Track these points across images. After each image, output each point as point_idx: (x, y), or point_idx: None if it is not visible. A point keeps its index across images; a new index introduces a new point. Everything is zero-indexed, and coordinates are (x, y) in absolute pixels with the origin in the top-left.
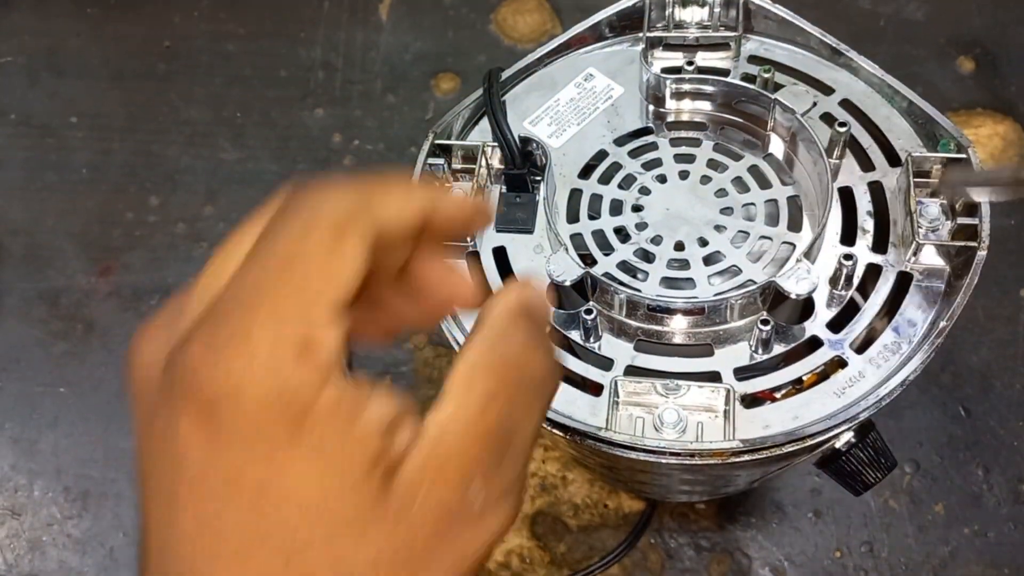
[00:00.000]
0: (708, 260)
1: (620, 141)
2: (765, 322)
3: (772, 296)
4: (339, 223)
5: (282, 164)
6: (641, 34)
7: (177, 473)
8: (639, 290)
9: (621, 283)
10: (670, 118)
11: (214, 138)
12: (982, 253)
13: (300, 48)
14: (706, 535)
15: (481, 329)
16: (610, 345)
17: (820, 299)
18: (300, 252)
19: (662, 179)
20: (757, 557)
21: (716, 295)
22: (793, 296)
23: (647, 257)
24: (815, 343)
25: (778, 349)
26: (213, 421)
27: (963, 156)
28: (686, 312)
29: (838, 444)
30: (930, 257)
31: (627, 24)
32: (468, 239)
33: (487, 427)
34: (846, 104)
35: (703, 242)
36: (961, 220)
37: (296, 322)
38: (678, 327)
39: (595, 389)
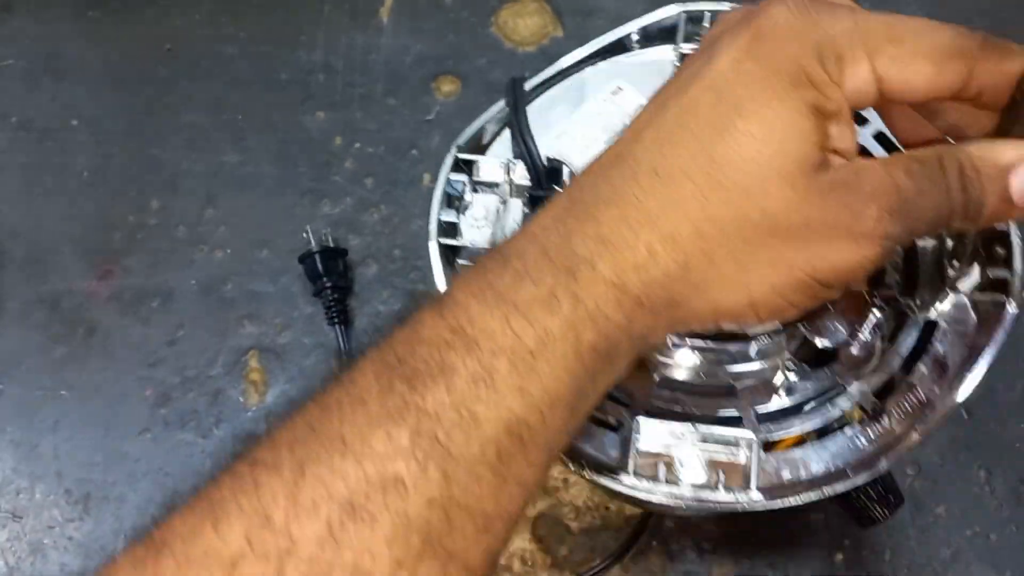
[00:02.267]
0: None
1: None
2: (788, 368)
3: (799, 339)
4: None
5: (283, 167)
6: (673, 47)
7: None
8: None
9: None
10: None
11: (215, 141)
12: (1012, 310)
13: (300, 51)
14: (708, 537)
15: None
16: (631, 380)
17: (847, 344)
18: None
19: None
20: (759, 559)
21: (740, 339)
22: (819, 345)
23: None
24: (838, 388)
25: (801, 392)
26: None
27: None
28: (710, 351)
29: None
30: (958, 307)
31: (659, 36)
32: None
33: (911, 189)
34: (880, 138)
35: None
36: (991, 272)
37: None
38: (702, 365)
39: (614, 426)
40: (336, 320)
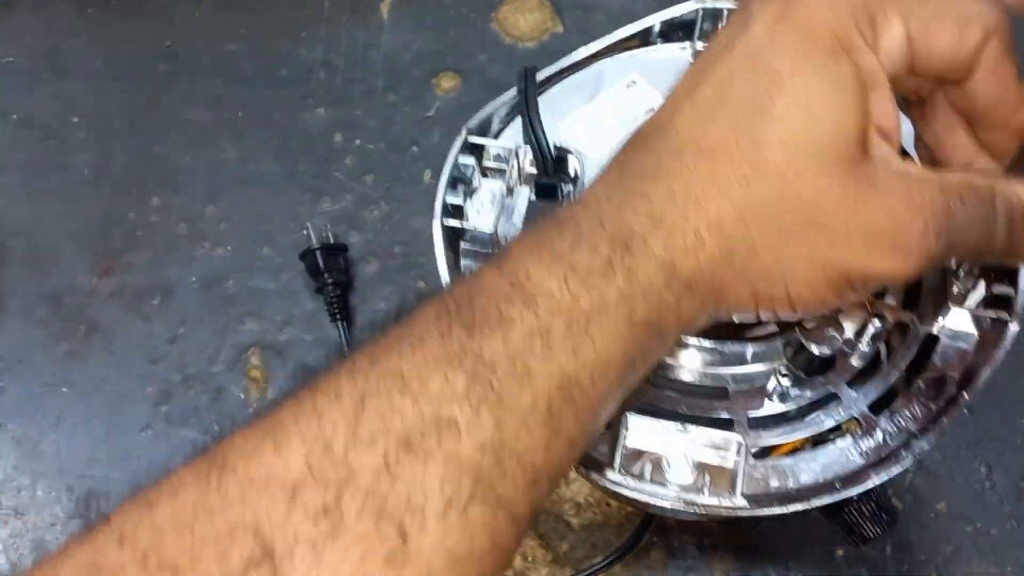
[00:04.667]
0: None
1: None
2: (783, 373)
3: (795, 345)
4: None
5: (283, 164)
6: (689, 44)
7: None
8: None
9: None
10: None
11: (215, 138)
12: (1014, 327)
13: (301, 47)
14: (709, 533)
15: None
16: None
17: (844, 353)
18: None
19: None
20: (761, 556)
21: (738, 342)
22: (816, 352)
23: None
24: (833, 398)
25: (796, 400)
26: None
27: None
28: (706, 351)
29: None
30: (960, 322)
31: (676, 31)
32: None
33: (951, 211)
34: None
35: None
36: (996, 288)
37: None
38: (695, 365)
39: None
40: (338, 316)
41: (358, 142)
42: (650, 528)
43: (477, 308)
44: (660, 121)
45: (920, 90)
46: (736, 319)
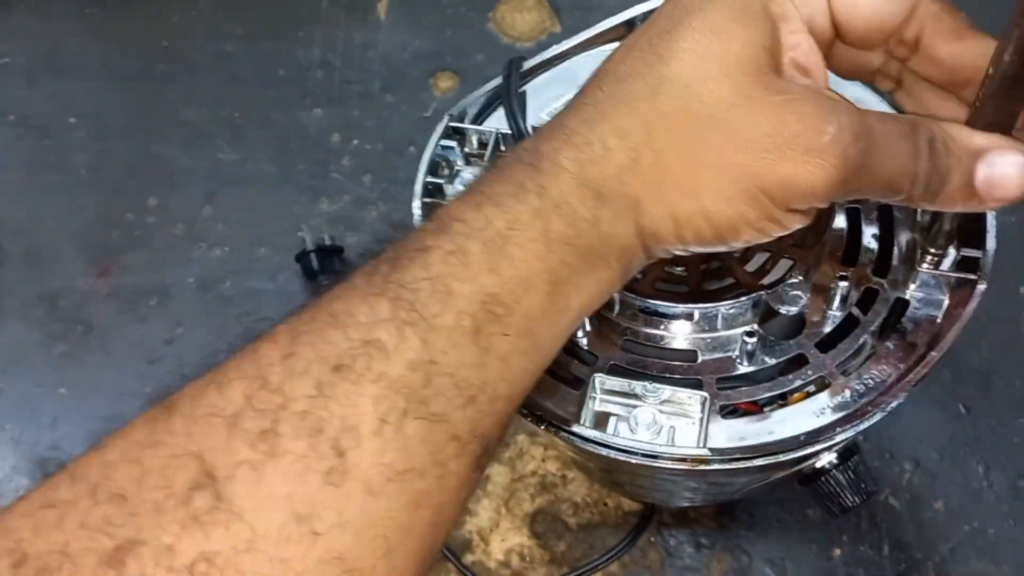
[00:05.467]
0: (706, 267)
1: None
2: (750, 334)
3: (764, 309)
4: None
5: (281, 164)
6: None
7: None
8: (632, 291)
9: None
10: None
11: (213, 139)
12: (982, 287)
13: (298, 47)
14: (706, 533)
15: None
16: (597, 341)
17: (814, 316)
18: None
19: None
20: (757, 555)
21: (706, 304)
22: (782, 311)
23: None
24: (801, 360)
25: (764, 362)
26: None
27: None
28: (675, 317)
29: (819, 464)
30: (930, 285)
31: None
32: None
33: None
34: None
35: None
36: (964, 252)
37: None
38: (667, 330)
39: (576, 383)
40: None
41: (355, 142)
42: (647, 528)
43: (400, 247)
44: (594, 70)
45: (886, 71)
46: (673, 253)
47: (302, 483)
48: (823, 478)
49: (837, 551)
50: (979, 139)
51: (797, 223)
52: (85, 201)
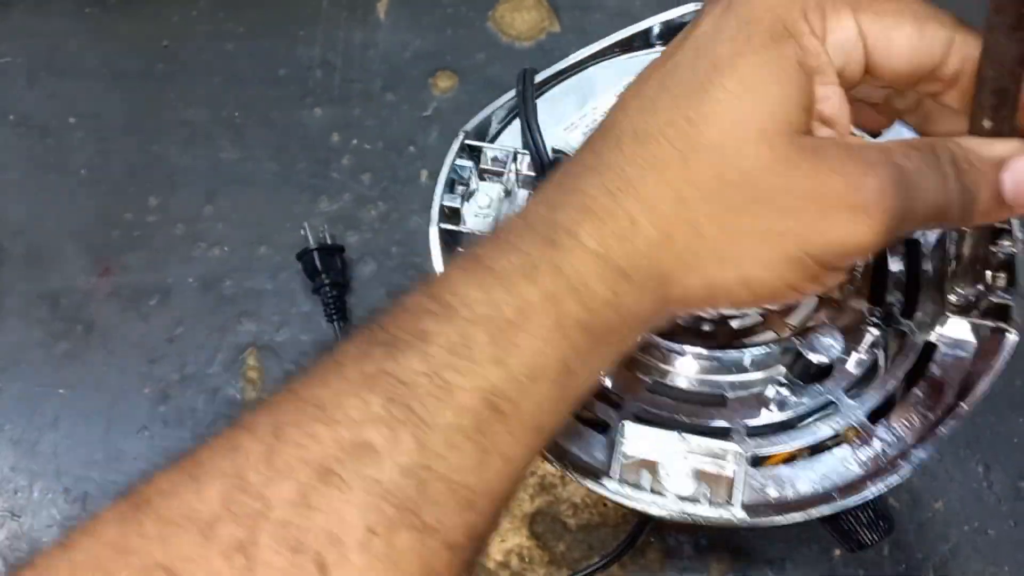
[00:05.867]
0: None
1: None
2: (781, 384)
3: (793, 353)
4: None
5: (281, 164)
6: None
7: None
8: (658, 332)
9: None
10: None
11: (213, 138)
12: (1013, 338)
13: (299, 47)
14: (706, 533)
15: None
16: (622, 382)
17: (841, 359)
18: None
19: None
20: (757, 555)
21: (735, 349)
22: (814, 361)
23: None
24: (831, 406)
25: (793, 407)
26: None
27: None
28: (703, 359)
29: None
30: (959, 331)
31: (675, 34)
32: None
33: (902, 176)
34: None
35: None
36: (995, 298)
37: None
38: (693, 372)
39: (602, 427)
40: (334, 317)
41: (356, 142)
42: (647, 528)
43: (397, 327)
44: (605, 122)
45: (908, 103)
46: (703, 315)
47: None
48: (843, 517)
49: (837, 551)
50: (998, 148)
51: (839, 279)
52: (85, 201)
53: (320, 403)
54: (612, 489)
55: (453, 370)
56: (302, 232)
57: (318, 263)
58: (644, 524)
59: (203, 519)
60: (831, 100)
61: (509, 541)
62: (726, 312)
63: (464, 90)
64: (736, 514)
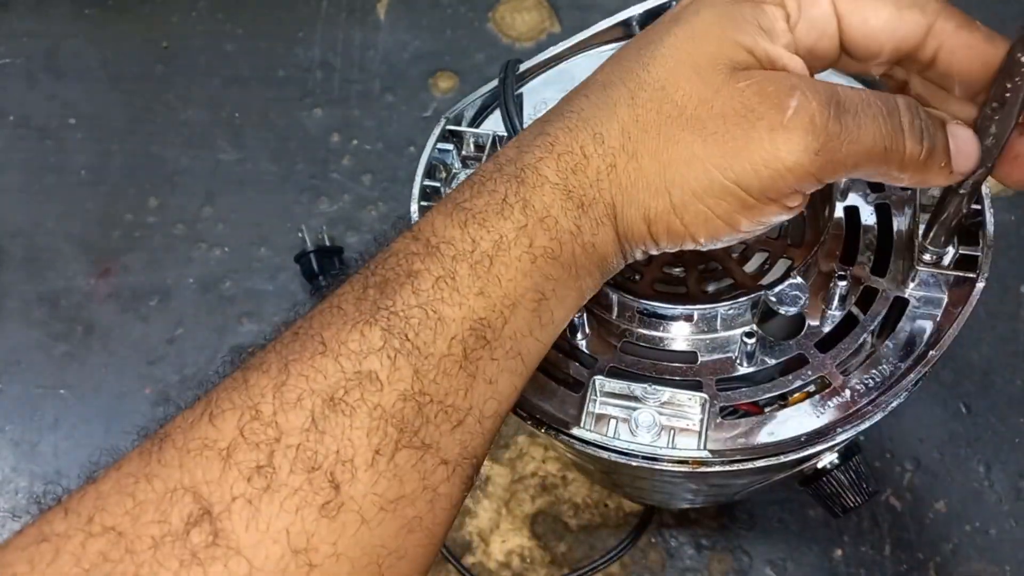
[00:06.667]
0: (704, 268)
1: None
2: (749, 335)
3: (763, 309)
4: None
5: (281, 165)
6: None
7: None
8: (631, 292)
9: (613, 284)
10: None
11: (213, 139)
12: (980, 285)
13: (298, 48)
14: (706, 533)
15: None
16: (596, 343)
17: (813, 316)
18: None
19: None
20: (758, 555)
21: (705, 304)
22: (782, 312)
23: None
24: (801, 360)
25: (764, 363)
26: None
27: None
28: (674, 318)
29: (820, 464)
30: (928, 284)
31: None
32: None
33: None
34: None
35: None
36: (963, 250)
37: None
38: (666, 332)
39: (576, 386)
40: None
41: (355, 142)
42: (648, 529)
43: (388, 269)
44: (585, 78)
45: (891, 74)
46: (649, 254)
47: (299, 517)
48: (824, 478)
49: (838, 551)
50: (954, 108)
51: (776, 215)
52: (85, 202)
53: (323, 339)
54: (582, 438)
55: (442, 302)
56: (299, 235)
57: (315, 265)
58: (645, 524)
59: (221, 447)
60: (784, 61)
61: (510, 541)
62: (666, 248)
63: (464, 90)
64: (703, 456)
